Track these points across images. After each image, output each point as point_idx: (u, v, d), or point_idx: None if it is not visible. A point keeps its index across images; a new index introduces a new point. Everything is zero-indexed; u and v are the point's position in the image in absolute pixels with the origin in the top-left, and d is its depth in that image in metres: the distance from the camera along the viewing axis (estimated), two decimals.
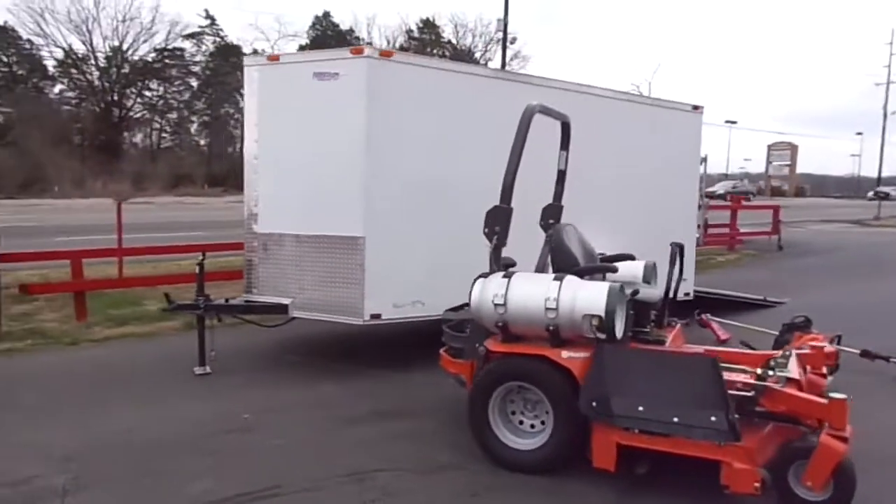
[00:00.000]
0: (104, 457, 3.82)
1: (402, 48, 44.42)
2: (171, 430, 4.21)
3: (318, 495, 3.43)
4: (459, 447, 3.88)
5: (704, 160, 8.21)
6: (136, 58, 44.72)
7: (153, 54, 45.43)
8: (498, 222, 3.73)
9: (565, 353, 3.52)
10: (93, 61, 44.14)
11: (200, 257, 5.49)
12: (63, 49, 42.83)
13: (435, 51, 47.73)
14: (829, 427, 3.12)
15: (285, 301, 5.37)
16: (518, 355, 3.65)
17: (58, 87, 45.08)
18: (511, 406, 3.74)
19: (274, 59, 5.60)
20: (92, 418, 4.40)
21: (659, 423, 3.24)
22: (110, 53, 44.41)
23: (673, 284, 4.36)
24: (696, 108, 7.54)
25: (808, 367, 3.84)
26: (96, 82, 44.40)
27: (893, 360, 5.48)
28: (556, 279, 3.59)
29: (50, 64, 43.64)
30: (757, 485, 3.10)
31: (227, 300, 5.70)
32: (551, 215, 4.59)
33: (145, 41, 44.20)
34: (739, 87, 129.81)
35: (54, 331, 6.66)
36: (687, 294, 7.30)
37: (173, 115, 48.33)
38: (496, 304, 3.58)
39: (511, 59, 42.63)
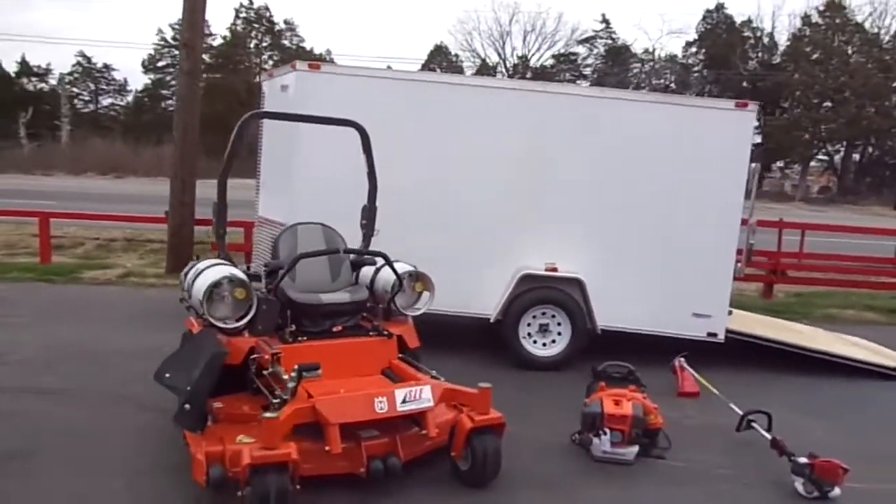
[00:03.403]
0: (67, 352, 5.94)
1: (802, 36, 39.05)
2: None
3: None
4: None
5: (755, 168, 6.30)
6: (537, 65, 50.05)
7: (551, 60, 50.09)
8: (217, 217, 4.40)
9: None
10: (502, 70, 51.06)
11: None
12: (481, 60, 50.72)
13: (838, 35, 40.44)
14: (472, 410, 3.72)
15: None
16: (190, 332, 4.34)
17: None
18: None
19: (270, 73, 7.02)
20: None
21: (166, 386, 3.69)
22: (517, 62, 50.63)
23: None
24: (741, 104, 6.06)
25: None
26: None
27: (794, 459, 3.98)
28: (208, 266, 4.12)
29: (468, 73, 51.97)
30: (204, 478, 3.22)
31: None
32: (365, 216, 4.95)
33: (549, 48, 49.10)
34: None
35: None
36: (714, 335, 6.11)
37: None
38: (183, 289, 4.18)
39: None
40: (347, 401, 3.52)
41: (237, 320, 3.83)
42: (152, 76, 50.64)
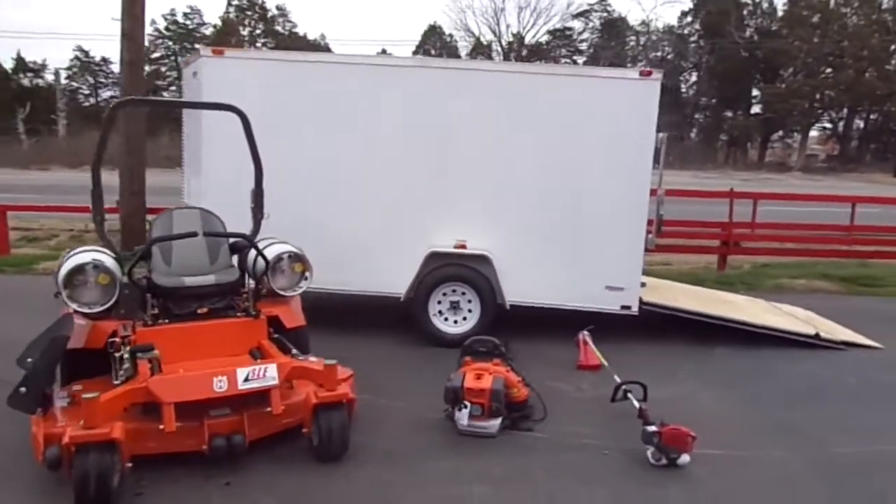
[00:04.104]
0: None
1: None
2: None
3: None
4: None
5: (663, 138, 6.21)
6: (532, 42, 49.58)
7: (546, 37, 49.57)
8: (94, 204, 4.44)
9: None
10: (497, 48, 50.65)
11: None
12: (475, 38, 50.30)
13: None
14: (321, 387, 3.81)
15: None
16: None
17: None
18: None
19: (186, 61, 7.03)
20: None
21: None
22: (511, 39, 50.16)
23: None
24: (645, 73, 5.98)
25: None
26: None
27: (644, 428, 3.98)
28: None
29: (463, 53, 51.61)
30: (41, 458, 3.31)
31: None
32: (253, 200, 4.96)
33: (545, 23, 48.59)
34: None
35: None
36: (628, 307, 6.09)
37: None
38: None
39: None
40: (184, 380, 3.57)
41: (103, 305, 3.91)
42: (148, 67, 50.57)
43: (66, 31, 79.88)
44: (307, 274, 4.65)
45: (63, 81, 47.60)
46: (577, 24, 49.59)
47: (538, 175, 6.07)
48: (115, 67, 51.93)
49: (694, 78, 47.73)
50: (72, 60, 50.39)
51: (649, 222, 6.25)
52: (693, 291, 7.62)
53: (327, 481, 3.59)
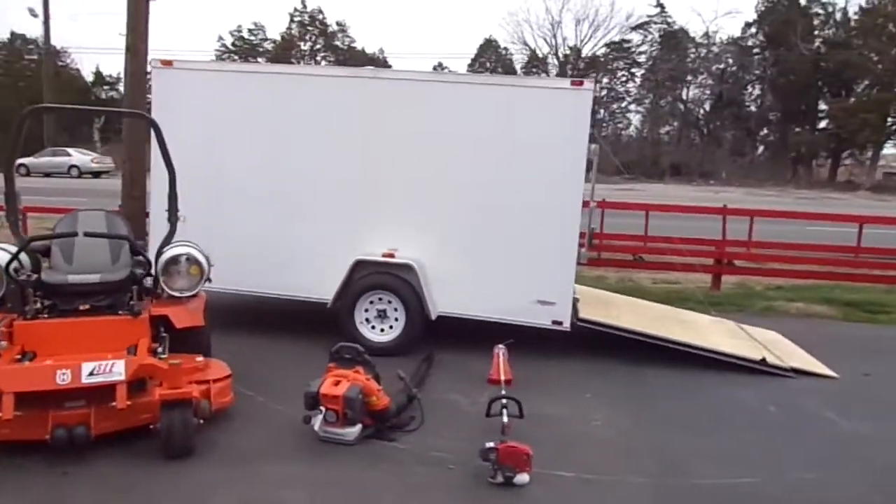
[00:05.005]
0: None
1: None
2: None
3: None
4: None
5: (595, 149, 5.96)
6: (589, 55, 48.95)
7: (604, 49, 48.85)
8: (7, 206, 4.73)
9: None
10: (553, 61, 50.28)
11: None
12: (531, 51, 50.10)
13: None
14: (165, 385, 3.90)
15: None
16: None
17: None
18: None
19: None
20: None
21: None
22: (567, 52, 49.71)
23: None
24: (577, 83, 5.84)
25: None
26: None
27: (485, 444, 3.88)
28: None
29: (518, 67, 51.44)
30: None
31: None
32: (168, 203, 5.18)
33: (603, 35, 47.93)
34: None
35: None
36: (559, 323, 5.96)
37: (620, 106, 50.92)
38: None
39: None
40: (26, 371, 3.76)
41: None
42: None
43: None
44: (206, 276, 4.79)
45: None
46: (635, 37, 48.69)
47: (469, 185, 6.03)
48: None
49: (758, 91, 45.92)
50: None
51: (582, 235, 6.10)
52: (645, 308, 7.36)
53: (159, 478, 3.68)
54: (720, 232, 10.17)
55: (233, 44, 51.25)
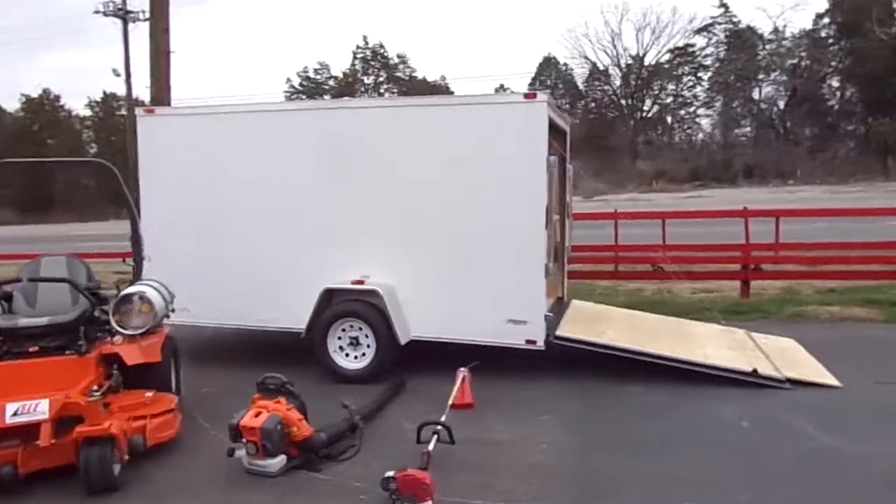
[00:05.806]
0: None
1: None
2: None
3: None
4: None
5: (555, 161, 5.63)
6: (652, 62, 47.78)
7: (667, 56, 47.52)
8: None
9: None
10: (614, 71, 49.39)
11: None
12: (592, 64, 49.42)
13: None
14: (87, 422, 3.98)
15: None
16: None
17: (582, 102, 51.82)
18: None
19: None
20: None
21: None
22: (630, 61, 48.69)
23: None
24: (530, 95, 5.66)
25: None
26: (616, 91, 49.56)
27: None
28: None
29: (579, 81, 50.87)
30: None
31: None
32: (132, 245, 5.43)
33: (667, 42, 46.75)
34: None
35: None
36: (533, 342, 5.76)
37: (688, 111, 49.22)
38: None
39: None
40: None
41: None
42: None
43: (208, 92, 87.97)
44: (161, 314, 4.96)
45: None
46: (699, 40, 47.09)
47: (432, 207, 5.96)
48: None
49: (836, 83, 43.21)
50: None
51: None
52: (642, 321, 6.96)
53: None
54: (751, 236, 9.54)
55: (300, 84, 53.50)
